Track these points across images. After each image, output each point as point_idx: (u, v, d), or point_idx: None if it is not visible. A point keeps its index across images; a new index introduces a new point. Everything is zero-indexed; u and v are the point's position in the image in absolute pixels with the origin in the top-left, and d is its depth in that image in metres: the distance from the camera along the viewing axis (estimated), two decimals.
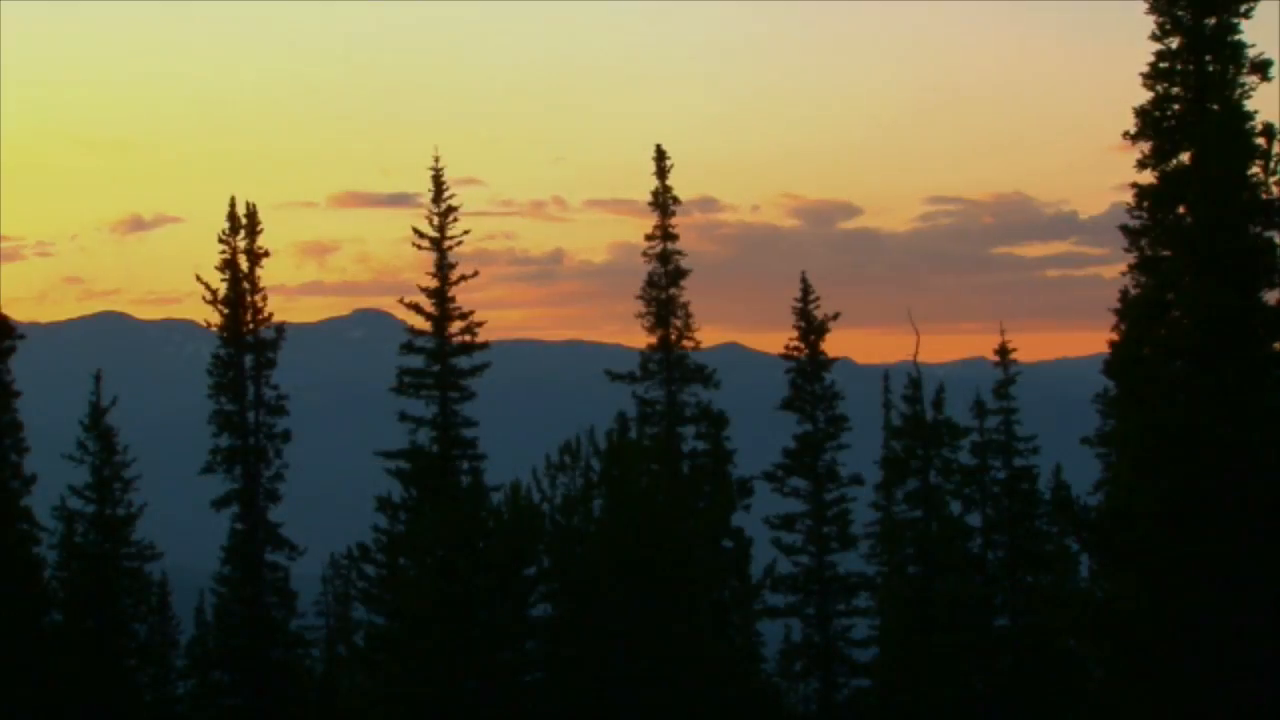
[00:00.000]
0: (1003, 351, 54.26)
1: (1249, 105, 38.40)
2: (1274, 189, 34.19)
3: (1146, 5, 40.04)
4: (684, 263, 59.71)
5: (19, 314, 54.88)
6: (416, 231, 56.23)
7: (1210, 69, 39.28)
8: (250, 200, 59.10)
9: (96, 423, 55.71)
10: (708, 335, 61.20)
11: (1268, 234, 34.41)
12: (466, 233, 56.37)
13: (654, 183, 59.29)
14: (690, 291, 59.62)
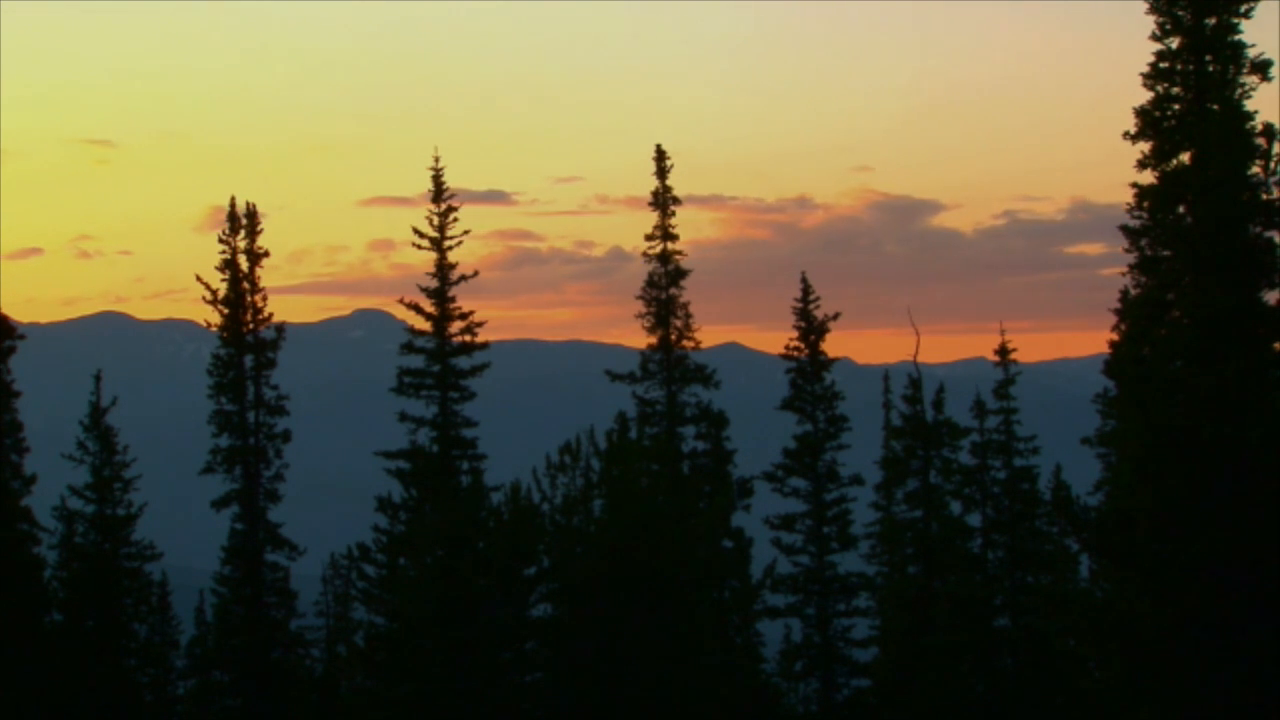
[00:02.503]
0: (1003, 351, 54.27)
1: (1249, 105, 38.35)
2: (1274, 189, 34.19)
3: (1146, 5, 40.03)
4: (684, 263, 59.80)
5: (19, 314, 54.86)
6: (416, 231, 56.26)
7: (1210, 69, 39.23)
8: (251, 202, 59.13)
9: (96, 423, 55.71)
10: (708, 335, 61.29)
11: (1268, 234, 34.40)
12: (467, 232, 56.47)
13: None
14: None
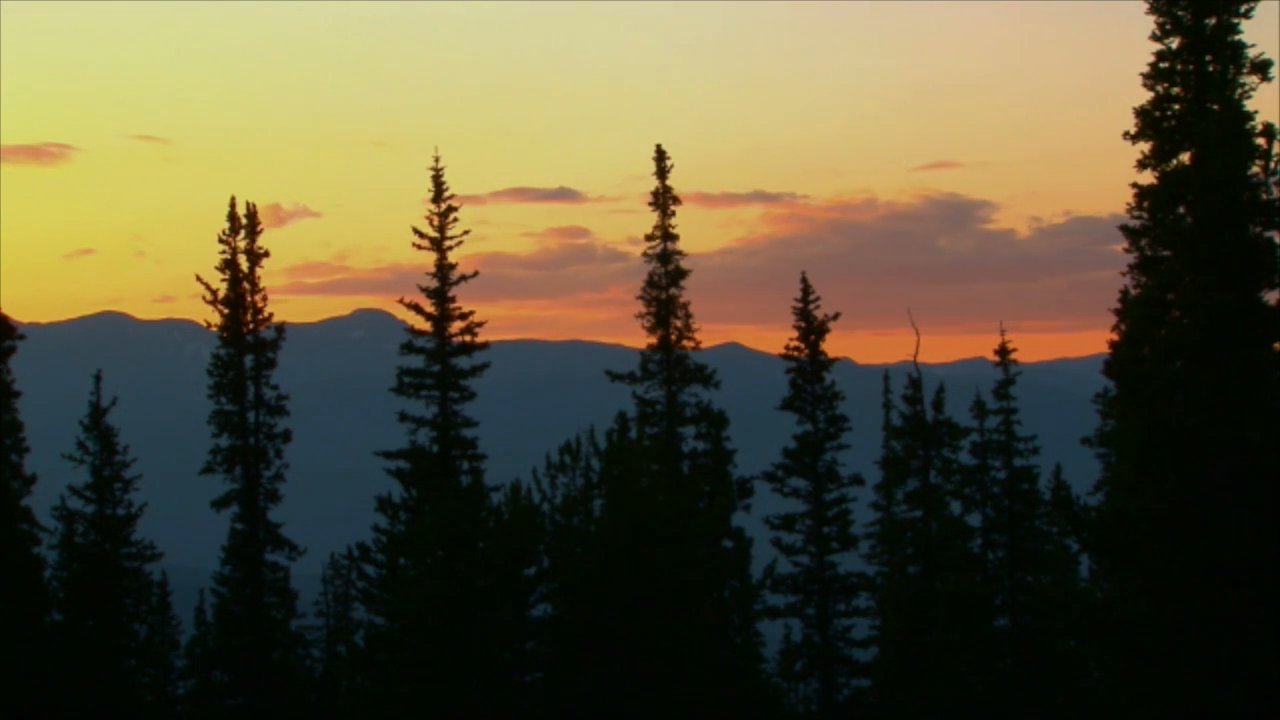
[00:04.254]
0: (1003, 351, 54.29)
1: (1249, 105, 38.37)
2: (1274, 189, 34.18)
3: (1146, 5, 40.03)
4: (684, 263, 59.78)
5: (19, 314, 54.86)
6: (416, 231, 56.25)
7: (1210, 69, 39.24)
8: (251, 202, 59.15)
9: (96, 423, 55.71)
10: (709, 335, 61.27)
11: (1268, 234, 34.38)
12: (466, 233, 56.47)
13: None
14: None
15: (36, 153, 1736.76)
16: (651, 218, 59.69)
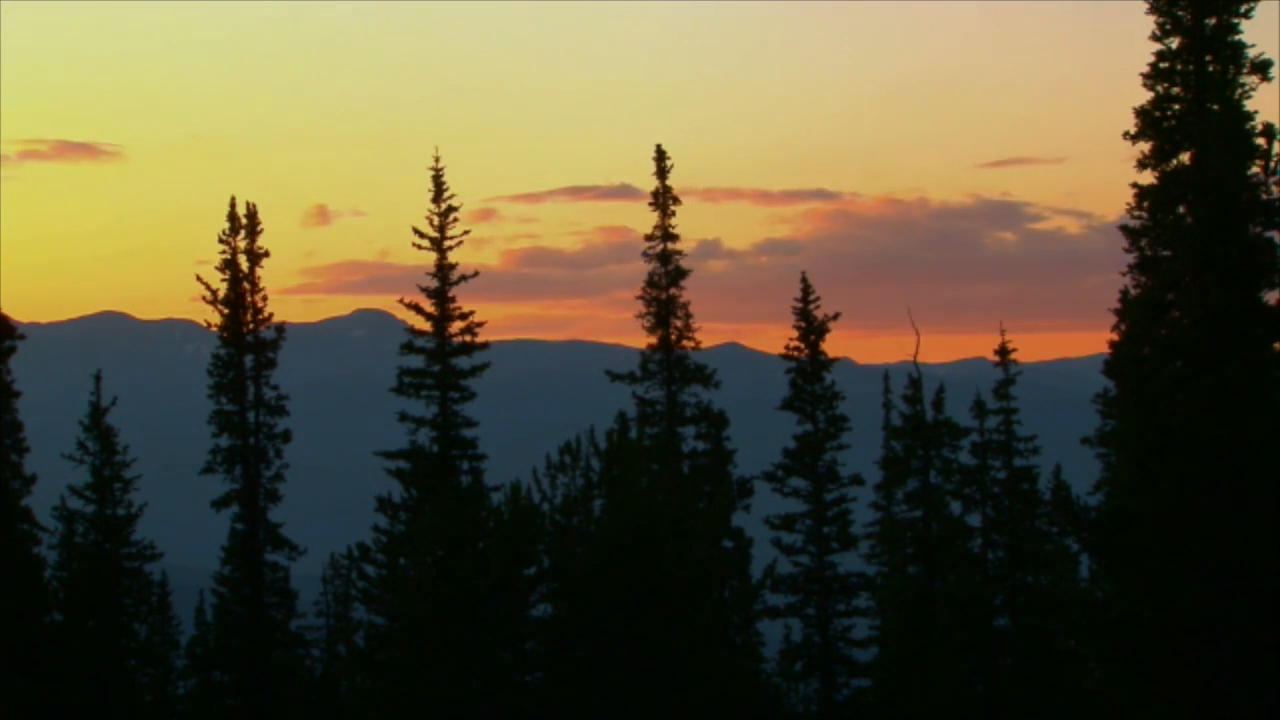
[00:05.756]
0: (1003, 351, 54.24)
1: (1249, 105, 38.36)
2: (1274, 189, 34.19)
3: (1146, 5, 40.03)
4: (683, 263, 59.79)
5: (19, 314, 54.89)
6: (416, 231, 56.26)
7: (1210, 69, 39.23)
8: (251, 201, 59.19)
9: (96, 423, 55.72)
10: (708, 335, 61.26)
11: (1268, 234, 34.41)
12: (466, 232, 56.52)
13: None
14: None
15: (91, 150, 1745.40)
16: (655, 217, 59.71)
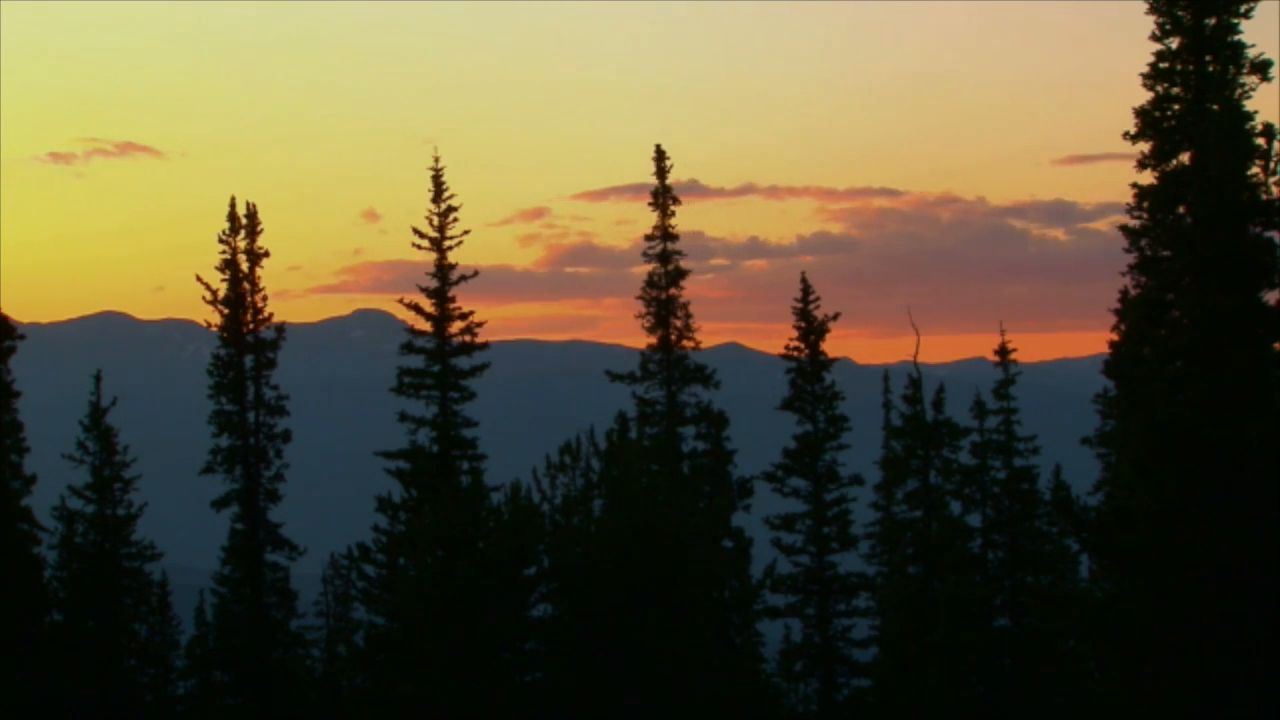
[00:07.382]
0: (1003, 351, 54.27)
1: (1249, 105, 38.47)
2: (1274, 189, 34.19)
3: (1146, 5, 40.05)
4: (683, 263, 59.78)
5: (19, 314, 54.90)
6: (416, 231, 56.25)
7: (1210, 69, 39.29)
8: (251, 202, 59.12)
9: (96, 423, 55.70)
10: (708, 335, 61.24)
11: (1268, 234, 34.41)
12: (466, 233, 56.47)
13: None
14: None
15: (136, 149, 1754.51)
16: (656, 218, 59.67)
